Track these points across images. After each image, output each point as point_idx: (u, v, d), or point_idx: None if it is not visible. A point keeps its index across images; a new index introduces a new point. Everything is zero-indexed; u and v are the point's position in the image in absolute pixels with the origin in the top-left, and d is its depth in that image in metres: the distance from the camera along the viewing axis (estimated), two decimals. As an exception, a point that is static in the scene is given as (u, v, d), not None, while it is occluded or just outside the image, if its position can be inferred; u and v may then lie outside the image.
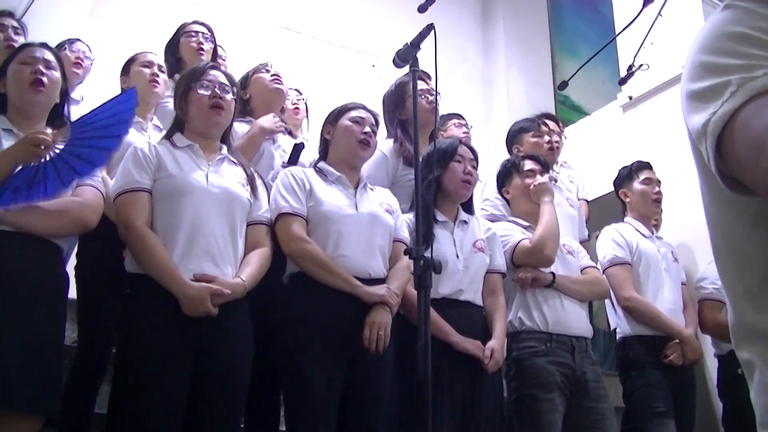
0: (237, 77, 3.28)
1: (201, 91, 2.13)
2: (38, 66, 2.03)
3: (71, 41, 3.01)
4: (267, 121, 2.56)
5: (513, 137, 3.35)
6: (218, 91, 2.14)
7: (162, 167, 2.03)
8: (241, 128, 2.56)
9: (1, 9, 2.89)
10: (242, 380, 2.00)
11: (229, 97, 2.17)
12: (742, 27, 0.77)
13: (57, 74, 2.08)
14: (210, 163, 2.10)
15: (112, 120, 2.01)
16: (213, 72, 2.19)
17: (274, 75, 2.69)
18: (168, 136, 2.18)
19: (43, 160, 1.87)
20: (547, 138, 3.24)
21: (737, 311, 0.82)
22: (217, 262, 1.98)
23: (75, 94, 2.90)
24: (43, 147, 1.86)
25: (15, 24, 2.78)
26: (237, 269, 2.03)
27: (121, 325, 1.97)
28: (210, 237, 1.98)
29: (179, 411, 1.86)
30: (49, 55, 2.08)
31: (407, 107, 2.74)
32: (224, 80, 2.18)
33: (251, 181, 2.15)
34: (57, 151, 1.90)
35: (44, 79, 2.02)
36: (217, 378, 1.92)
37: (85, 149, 1.94)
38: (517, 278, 2.60)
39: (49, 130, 1.93)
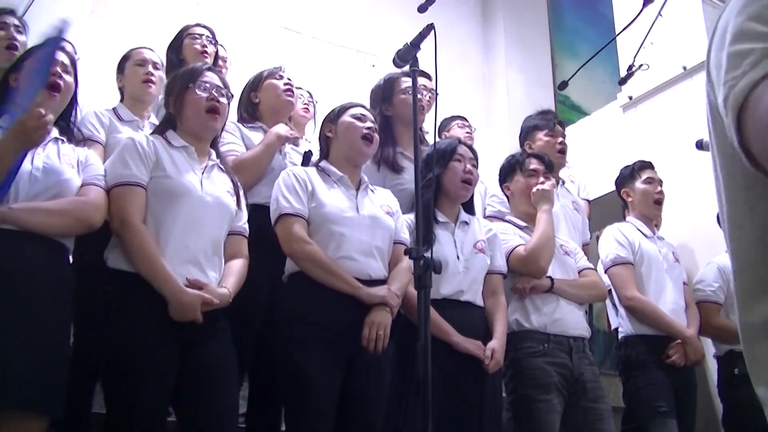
0: (237, 78, 3.29)
1: (199, 93, 2.12)
2: (56, 68, 2.02)
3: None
4: (282, 128, 2.54)
5: (526, 134, 3.27)
6: (215, 94, 2.14)
7: (159, 165, 2.02)
8: (253, 135, 2.54)
9: (3, 7, 2.88)
10: (232, 378, 2.02)
11: (224, 100, 2.18)
12: None
13: (71, 79, 2.08)
14: (203, 169, 2.10)
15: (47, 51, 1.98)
16: (209, 74, 2.19)
17: (287, 84, 2.67)
18: (161, 132, 2.16)
19: None
20: (560, 139, 3.18)
21: (754, 304, 0.77)
22: (204, 268, 1.98)
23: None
24: (48, 126, 1.82)
25: (17, 22, 2.76)
26: (219, 277, 2.04)
27: (106, 324, 1.94)
28: (200, 243, 1.99)
29: (165, 410, 1.89)
30: (66, 59, 2.08)
31: (395, 103, 2.72)
32: (220, 83, 2.19)
33: (237, 191, 2.16)
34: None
35: (61, 82, 2.03)
36: (206, 377, 1.92)
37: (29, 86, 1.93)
38: (514, 288, 2.59)
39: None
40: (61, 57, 2.06)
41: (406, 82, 2.69)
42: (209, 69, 2.24)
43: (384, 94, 2.75)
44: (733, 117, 0.70)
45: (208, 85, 2.14)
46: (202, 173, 2.09)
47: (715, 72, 0.75)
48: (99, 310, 1.98)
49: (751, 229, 0.77)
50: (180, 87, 2.16)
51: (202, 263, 1.98)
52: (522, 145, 3.25)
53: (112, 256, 1.96)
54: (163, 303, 1.87)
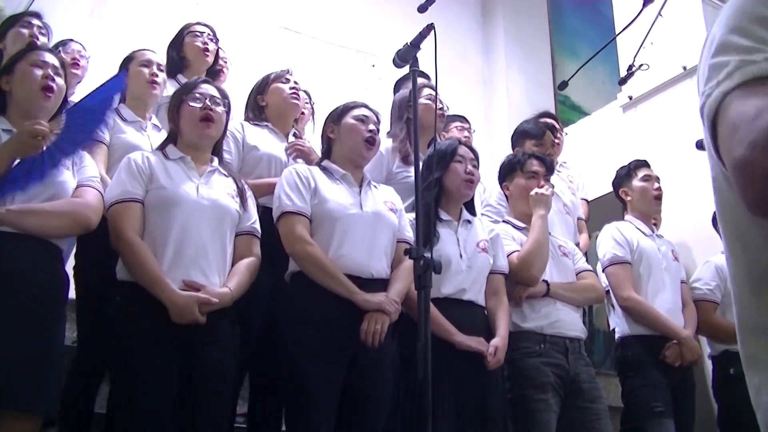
0: (237, 78, 3.30)
1: (192, 104, 2.17)
2: (48, 71, 2.06)
3: (65, 43, 3.01)
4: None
5: (516, 140, 3.31)
6: (209, 104, 2.18)
7: (154, 178, 2.06)
8: (258, 132, 2.57)
9: (30, 10, 2.91)
10: (228, 383, 2.04)
11: (220, 109, 2.21)
12: (764, 8, 0.72)
13: (62, 81, 2.11)
14: (201, 175, 2.14)
15: (101, 105, 2.14)
16: (204, 86, 2.24)
17: (292, 88, 2.69)
18: (161, 148, 2.21)
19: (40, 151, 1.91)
20: (548, 151, 3.19)
21: (743, 302, 0.78)
22: (206, 272, 2.01)
23: (75, 95, 2.90)
24: (41, 138, 1.89)
25: (41, 24, 2.79)
26: (225, 279, 2.06)
27: (112, 331, 2.00)
28: (199, 248, 2.01)
29: (168, 412, 1.89)
30: (56, 61, 2.12)
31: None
32: (215, 93, 2.23)
33: (241, 193, 2.19)
34: (53, 139, 1.96)
35: (54, 85, 2.05)
36: (205, 381, 1.96)
37: (74, 134, 2.03)
38: (510, 296, 2.58)
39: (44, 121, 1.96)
40: (51, 60, 2.10)
41: (428, 90, 2.83)
42: (204, 81, 2.30)
43: (409, 98, 2.79)
44: (708, 125, 0.72)
45: (201, 96, 2.18)
46: (200, 180, 2.12)
47: (700, 82, 0.77)
48: (107, 318, 2.02)
49: (741, 230, 0.78)
50: (176, 101, 2.22)
51: (204, 268, 2.01)
52: (513, 149, 3.27)
53: (119, 268, 2.01)
54: (163, 309, 1.90)
